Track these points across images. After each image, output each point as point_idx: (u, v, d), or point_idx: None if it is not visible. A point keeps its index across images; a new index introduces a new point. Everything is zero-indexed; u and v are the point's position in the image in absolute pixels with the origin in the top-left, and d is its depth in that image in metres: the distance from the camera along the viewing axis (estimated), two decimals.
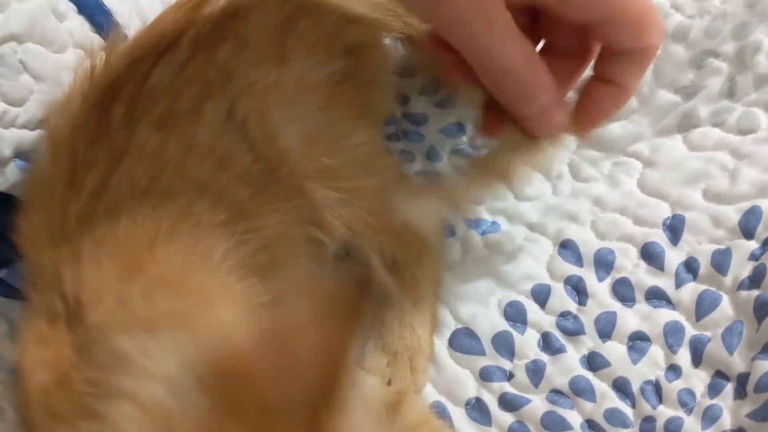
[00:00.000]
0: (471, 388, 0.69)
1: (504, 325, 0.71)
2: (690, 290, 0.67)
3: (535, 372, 0.68)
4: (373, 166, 0.69)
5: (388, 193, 0.69)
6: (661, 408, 0.63)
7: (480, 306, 0.73)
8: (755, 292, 0.64)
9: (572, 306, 0.70)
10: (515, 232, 0.76)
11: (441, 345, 0.72)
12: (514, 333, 0.70)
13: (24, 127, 0.70)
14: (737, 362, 0.63)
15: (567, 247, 0.73)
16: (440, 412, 0.68)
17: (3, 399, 0.58)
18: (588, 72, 0.63)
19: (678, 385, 0.63)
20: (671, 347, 0.65)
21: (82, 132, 0.61)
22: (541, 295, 0.71)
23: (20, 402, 0.50)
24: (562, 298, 0.70)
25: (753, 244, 0.67)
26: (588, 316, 0.69)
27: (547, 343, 0.69)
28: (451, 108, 0.84)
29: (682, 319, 0.66)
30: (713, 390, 0.63)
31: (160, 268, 0.55)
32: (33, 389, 0.49)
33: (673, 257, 0.69)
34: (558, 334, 0.69)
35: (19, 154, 0.69)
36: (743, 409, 0.60)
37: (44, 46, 0.75)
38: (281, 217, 0.63)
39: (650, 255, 0.70)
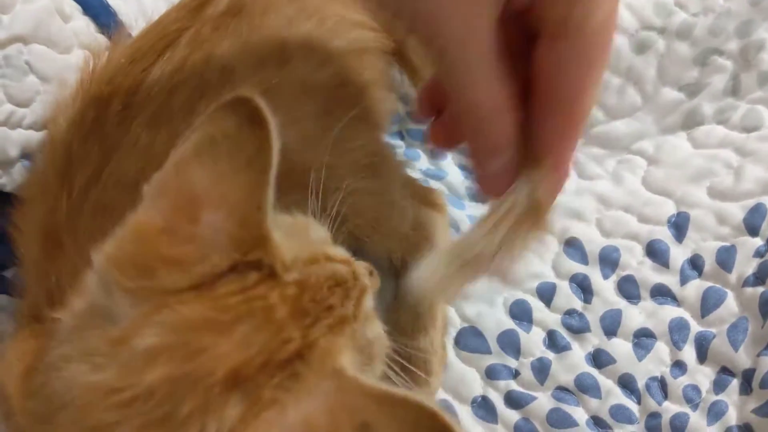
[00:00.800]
0: (477, 386, 0.69)
1: (510, 324, 0.71)
2: (695, 287, 0.67)
3: (541, 370, 0.68)
4: (375, 168, 0.69)
5: (394, 196, 0.69)
6: (666, 404, 0.63)
7: (486, 305, 0.73)
8: (760, 289, 0.64)
9: (578, 304, 0.70)
10: None
11: (447, 344, 0.72)
12: (520, 331, 0.70)
13: (30, 127, 0.70)
14: (742, 358, 0.63)
15: (572, 245, 0.73)
16: (447, 410, 0.68)
17: None
18: None
19: (683, 381, 0.63)
20: (676, 344, 0.65)
21: (78, 127, 0.61)
22: (546, 294, 0.71)
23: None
24: (567, 296, 0.71)
25: (758, 241, 0.67)
26: (593, 314, 0.69)
27: (552, 341, 0.69)
28: None
29: (687, 316, 0.66)
30: (719, 386, 0.63)
31: None
32: (10, 379, 0.48)
33: (678, 254, 0.69)
34: (564, 332, 0.69)
35: (26, 154, 0.69)
36: (749, 405, 0.61)
37: (50, 47, 0.75)
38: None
39: (655, 252, 0.70)
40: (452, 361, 0.71)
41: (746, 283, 0.65)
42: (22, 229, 0.59)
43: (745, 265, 0.67)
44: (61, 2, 0.78)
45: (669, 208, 0.72)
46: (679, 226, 0.71)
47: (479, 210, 0.80)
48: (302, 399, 0.36)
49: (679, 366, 0.64)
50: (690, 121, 0.77)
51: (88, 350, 0.38)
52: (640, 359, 0.65)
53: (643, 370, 0.65)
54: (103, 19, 0.81)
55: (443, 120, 0.52)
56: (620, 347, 0.67)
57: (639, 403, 0.64)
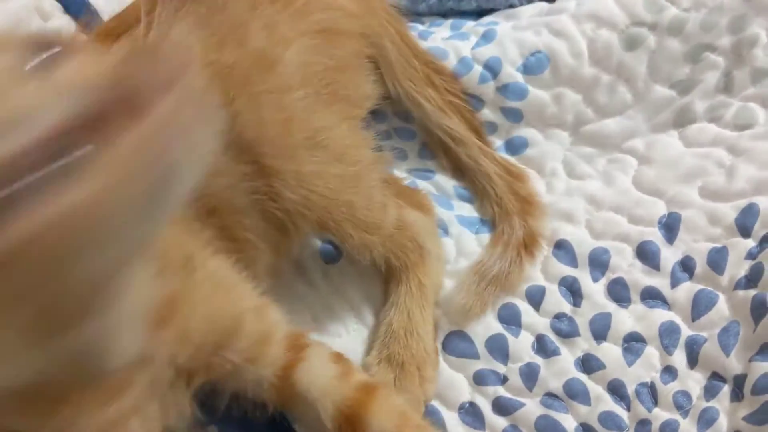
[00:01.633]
0: (465, 392, 0.68)
1: (498, 328, 0.69)
2: (686, 290, 0.66)
3: (529, 375, 0.67)
4: (344, 153, 0.67)
5: (371, 188, 0.68)
6: (656, 411, 0.62)
7: None
8: (752, 292, 0.63)
9: (567, 308, 0.69)
10: None
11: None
12: (508, 336, 0.69)
13: None
14: (734, 363, 0.62)
15: (561, 248, 0.72)
16: (433, 416, 0.67)
17: None
18: None
19: (674, 387, 0.62)
20: (666, 348, 0.64)
21: None
22: (535, 297, 0.70)
23: None
24: (556, 300, 0.69)
25: (750, 242, 0.66)
26: (583, 318, 0.68)
27: (541, 346, 0.68)
28: None
29: (677, 320, 0.65)
30: (709, 392, 0.62)
31: None
32: None
33: (669, 256, 0.68)
34: (553, 337, 0.68)
35: None
36: (740, 412, 0.59)
37: None
38: (231, 183, 0.62)
39: (646, 254, 0.69)
40: (440, 366, 0.70)
41: (738, 285, 0.64)
42: None
43: (737, 267, 0.65)
44: (41, 1, 0.77)
45: (660, 209, 0.71)
46: (670, 227, 0.69)
47: (467, 210, 0.78)
48: None
49: (669, 371, 0.63)
50: (682, 119, 0.76)
51: None
52: (629, 364, 0.64)
53: (633, 376, 0.64)
54: (84, 18, 0.80)
55: None
56: (610, 352, 0.65)
57: (629, 409, 0.63)
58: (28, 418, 0.41)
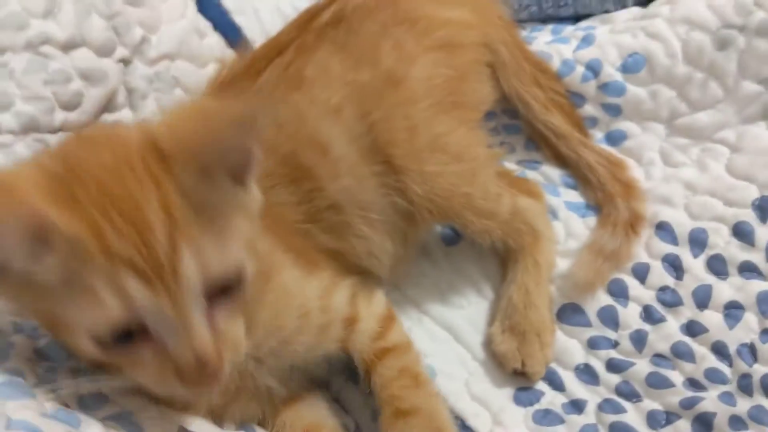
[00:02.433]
0: (579, 355, 0.78)
1: (608, 300, 0.79)
2: None
3: (638, 340, 0.76)
4: (462, 153, 0.77)
5: (487, 181, 0.78)
6: (756, 366, 0.71)
7: None
8: None
9: (670, 281, 0.78)
10: None
11: None
12: (618, 307, 0.78)
13: None
14: None
15: (662, 228, 0.80)
16: (552, 375, 0.77)
17: None
18: None
19: None
20: (764, 313, 0.72)
21: None
22: (640, 272, 0.79)
23: None
24: (660, 275, 0.78)
25: None
26: (685, 290, 0.76)
27: (648, 314, 0.77)
28: None
29: None
30: None
31: None
32: None
33: (763, 234, 0.76)
34: (658, 306, 0.77)
35: None
36: None
37: (191, 62, 0.86)
38: (359, 182, 0.73)
39: (741, 233, 0.77)
40: (556, 334, 0.79)
41: None
42: None
43: None
44: (197, 21, 0.89)
45: (753, 192, 0.79)
46: (763, 208, 0.77)
47: (573, 196, 0.88)
48: None
49: (767, 333, 0.72)
50: None
51: None
52: (730, 328, 0.73)
53: (734, 338, 0.72)
54: (231, 35, 0.92)
55: None
56: (712, 318, 0.74)
57: (731, 366, 0.72)
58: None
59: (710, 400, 0.70)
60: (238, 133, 0.50)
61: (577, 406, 0.75)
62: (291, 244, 0.69)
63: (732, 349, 0.72)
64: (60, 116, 0.73)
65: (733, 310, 0.74)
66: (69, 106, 0.74)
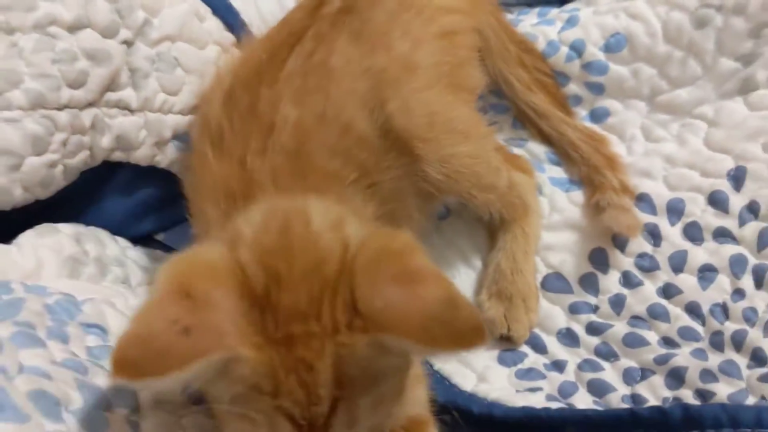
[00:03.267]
0: (561, 320, 0.81)
1: (589, 268, 0.82)
2: (752, 228, 0.78)
3: (617, 303, 0.79)
4: (468, 133, 0.81)
5: (489, 157, 0.81)
6: (727, 323, 0.74)
7: (567, 254, 0.84)
8: None
9: (648, 248, 0.81)
10: None
11: None
12: (599, 274, 0.82)
13: (180, 113, 0.85)
14: None
15: (642, 200, 0.84)
16: (535, 340, 0.80)
17: None
18: None
19: (743, 304, 0.74)
20: (736, 275, 0.76)
21: (234, 107, 0.74)
22: (620, 242, 0.82)
23: None
24: (639, 243, 0.82)
25: None
26: (662, 255, 0.80)
27: (627, 279, 0.80)
28: None
29: (745, 252, 0.77)
30: None
31: None
32: None
33: (737, 201, 0.79)
34: (636, 272, 0.80)
35: (177, 135, 0.84)
36: None
37: (191, 44, 0.90)
38: (393, 173, 0.76)
39: (716, 201, 0.80)
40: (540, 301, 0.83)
41: None
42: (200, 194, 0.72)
43: None
44: (197, 4, 0.93)
45: (728, 163, 0.82)
46: (738, 177, 0.80)
47: (557, 172, 0.91)
48: None
49: (738, 293, 0.75)
50: (746, 87, 0.86)
51: None
52: (704, 289, 0.76)
53: (707, 298, 0.76)
54: (229, 19, 0.95)
55: None
56: (687, 281, 0.78)
57: (704, 324, 0.75)
58: None
59: (683, 356, 0.73)
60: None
61: (558, 365, 0.78)
62: None
63: (705, 308, 0.76)
64: (66, 93, 0.77)
65: (707, 273, 0.77)
66: (75, 84, 0.78)
